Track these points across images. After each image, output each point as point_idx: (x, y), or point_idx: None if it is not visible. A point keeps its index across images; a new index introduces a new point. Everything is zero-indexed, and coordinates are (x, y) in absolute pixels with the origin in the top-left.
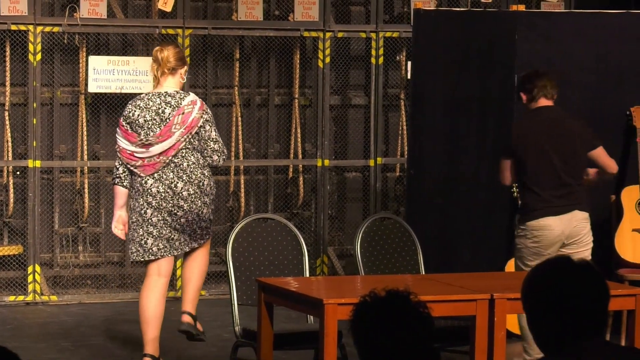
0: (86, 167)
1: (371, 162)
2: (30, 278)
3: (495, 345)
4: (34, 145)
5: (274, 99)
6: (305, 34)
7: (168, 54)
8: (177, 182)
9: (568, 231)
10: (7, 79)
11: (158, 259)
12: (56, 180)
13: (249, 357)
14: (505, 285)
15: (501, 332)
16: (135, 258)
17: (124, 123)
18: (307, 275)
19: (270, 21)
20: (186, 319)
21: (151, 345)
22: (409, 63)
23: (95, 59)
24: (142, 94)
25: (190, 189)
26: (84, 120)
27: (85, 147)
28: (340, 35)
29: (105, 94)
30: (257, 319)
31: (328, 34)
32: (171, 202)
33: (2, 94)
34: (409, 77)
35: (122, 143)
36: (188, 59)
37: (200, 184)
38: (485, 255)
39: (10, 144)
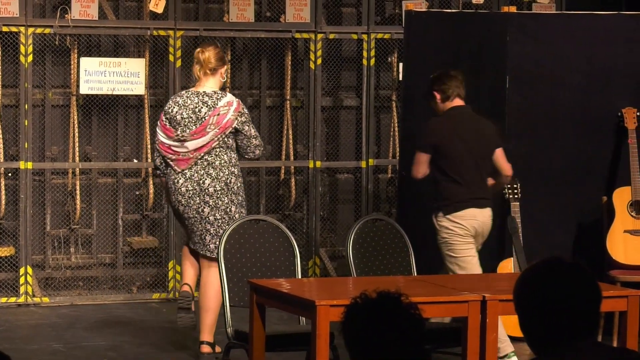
0: (78, 169)
1: (363, 164)
2: (22, 280)
3: (487, 347)
4: (26, 146)
5: (266, 100)
6: (297, 35)
7: (209, 54)
8: (206, 179)
9: (485, 224)
10: None
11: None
12: (48, 182)
13: (241, 358)
14: (497, 287)
15: (493, 334)
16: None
17: (163, 118)
18: (299, 276)
19: (261, 22)
20: (206, 349)
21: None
22: (401, 64)
23: (86, 61)
24: (181, 91)
25: (216, 186)
26: (76, 121)
27: (76, 149)
28: (331, 36)
29: (97, 95)
30: (249, 320)
31: (319, 36)
32: (198, 198)
33: None
34: (400, 78)
35: (161, 136)
36: (179, 62)
37: (228, 181)
38: None
39: (1, 145)
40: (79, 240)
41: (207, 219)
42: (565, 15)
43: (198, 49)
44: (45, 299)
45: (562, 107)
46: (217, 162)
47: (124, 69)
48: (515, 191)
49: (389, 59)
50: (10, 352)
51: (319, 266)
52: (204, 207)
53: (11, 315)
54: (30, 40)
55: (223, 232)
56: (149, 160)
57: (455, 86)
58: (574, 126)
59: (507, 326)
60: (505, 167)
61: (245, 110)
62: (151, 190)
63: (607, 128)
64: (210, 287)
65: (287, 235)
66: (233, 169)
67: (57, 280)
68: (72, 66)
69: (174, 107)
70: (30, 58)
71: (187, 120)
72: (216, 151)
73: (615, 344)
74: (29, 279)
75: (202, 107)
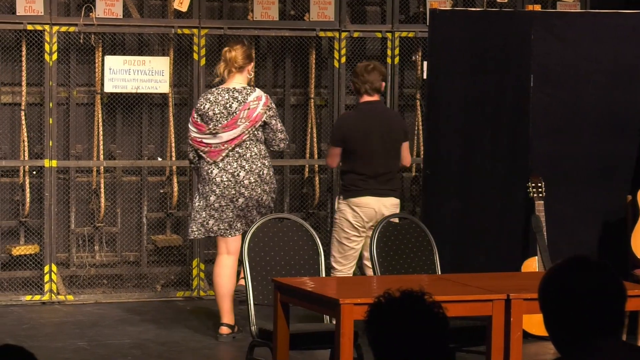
0: (102, 167)
1: None
2: (46, 278)
3: (512, 346)
4: (50, 145)
5: (290, 99)
6: (321, 34)
7: (236, 53)
8: (240, 172)
9: (382, 212)
10: (24, 78)
11: (218, 236)
12: (72, 180)
13: (265, 357)
14: (522, 286)
15: (517, 332)
16: (195, 236)
17: (195, 115)
18: (323, 275)
19: (285, 21)
20: (224, 330)
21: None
22: (425, 63)
23: (111, 59)
24: (212, 89)
25: (251, 178)
26: (100, 120)
27: (101, 147)
28: (356, 35)
29: (121, 93)
30: (273, 318)
31: (344, 34)
32: (233, 189)
33: (18, 93)
34: (424, 77)
35: (192, 132)
36: (203, 60)
37: (261, 172)
38: (500, 255)
39: (26, 143)
40: (104, 238)
41: (239, 207)
42: (590, 14)
43: (226, 48)
44: (70, 297)
45: (586, 106)
46: (248, 155)
47: (148, 67)
48: (540, 190)
49: (413, 58)
50: (35, 350)
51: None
52: (239, 198)
53: (35, 313)
54: (55, 39)
55: (247, 231)
56: (173, 158)
57: (369, 82)
58: (599, 125)
59: (531, 325)
60: (406, 159)
61: (273, 105)
62: (175, 189)
63: (632, 127)
64: (230, 272)
65: (311, 233)
66: (264, 161)
67: (82, 278)
68: (96, 64)
69: (205, 104)
70: (55, 56)
71: (219, 115)
72: (246, 144)
73: (639, 343)
74: (54, 277)
75: (232, 103)
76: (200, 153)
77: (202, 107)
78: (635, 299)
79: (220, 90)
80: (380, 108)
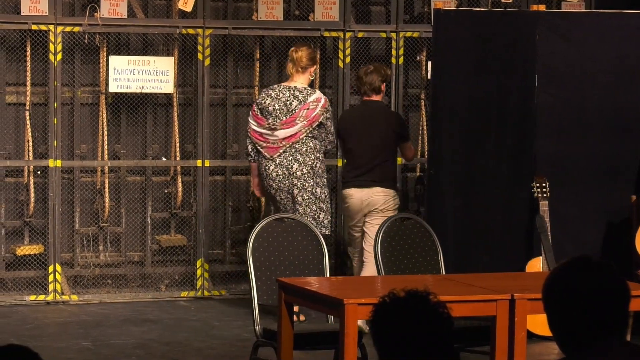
0: (107, 167)
1: None
2: (51, 277)
3: (516, 346)
4: (55, 144)
5: None
6: (326, 34)
7: (301, 54)
8: (293, 164)
9: (367, 201)
10: (28, 78)
11: None
12: (77, 180)
13: (269, 356)
14: (526, 286)
15: (522, 333)
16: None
17: (255, 108)
18: (328, 275)
19: (290, 21)
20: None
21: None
22: (429, 63)
23: (115, 59)
24: (273, 85)
25: (303, 169)
26: (105, 120)
27: (105, 147)
28: (360, 35)
29: (126, 93)
30: (277, 318)
31: (348, 34)
32: (287, 181)
33: (22, 93)
34: (429, 77)
35: (252, 125)
36: (208, 60)
37: (313, 165)
38: (505, 255)
39: (31, 143)
40: (108, 238)
41: (295, 199)
42: (594, 14)
43: (293, 48)
44: (74, 297)
45: (591, 106)
46: (303, 149)
47: (152, 67)
48: (544, 190)
49: (418, 58)
50: (39, 350)
51: (347, 265)
52: (293, 189)
53: (40, 312)
54: (59, 39)
55: (251, 231)
56: (178, 158)
57: (368, 83)
58: (603, 125)
59: (535, 325)
60: (406, 156)
61: (330, 108)
62: (180, 189)
63: (637, 127)
64: None
65: (316, 233)
66: (318, 154)
67: (86, 278)
68: (101, 64)
69: (266, 99)
70: (59, 56)
71: (278, 111)
72: (303, 139)
73: None
74: (58, 276)
75: (293, 101)
76: (259, 147)
77: (262, 101)
78: (639, 299)
79: (282, 87)
80: (374, 105)
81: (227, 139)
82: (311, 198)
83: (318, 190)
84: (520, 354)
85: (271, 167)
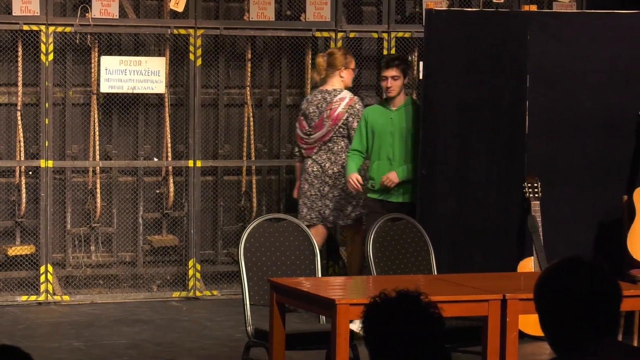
0: (98, 167)
1: None
2: (42, 278)
3: (508, 346)
4: (46, 145)
5: (286, 99)
6: (317, 34)
7: (333, 57)
8: (326, 163)
9: None
10: (19, 79)
11: (310, 225)
12: (68, 180)
13: (261, 357)
14: (518, 286)
15: (513, 333)
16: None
17: (300, 114)
18: (319, 275)
19: (282, 21)
20: None
21: None
22: (421, 63)
23: (107, 59)
24: (314, 90)
25: (334, 169)
26: (96, 120)
27: (97, 147)
28: (352, 35)
29: (117, 94)
30: (269, 319)
31: (340, 34)
32: (320, 178)
33: (14, 94)
34: (421, 77)
35: (297, 130)
36: (200, 60)
37: (344, 164)
38: (497, 255)
39: (22, 144)
40: (100, 238)
41: (326, 195)
42: (586, 14)
43: (327, 52)
44: (66, 297)
45: (582, 107)
46: (335, 148)
47: (144, 68)
48: (536, 190)
49: (410, 58)
50: (31, 350)
51: (339, 265)
52: (324, 187)
53: (31, 313)
54: (51, 39)
55: (242, 231)
56: (169, 158)
57: None
58: (595, 125)
59: (527, 325)
60: None
61: (358, 107)
62: (171, 189)
63: (628, 127)
64: (352, 256)
65: (307, 234)
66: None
67: (78, 278)
68: (92, 65)
69: (305, 104)
70: (51, 57)
71: (312, 114)
72: (335, 139)
73: (635, 343)
74: (50, 277)
75: (322, 103)
76: (301, 150)
77: (302, 106)
78: (630, 299)
79: (317, 91)
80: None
81: (219, 139)
82: (342, 194)
83: (348, 187)
84: (512, 354)
85: (308, 163)
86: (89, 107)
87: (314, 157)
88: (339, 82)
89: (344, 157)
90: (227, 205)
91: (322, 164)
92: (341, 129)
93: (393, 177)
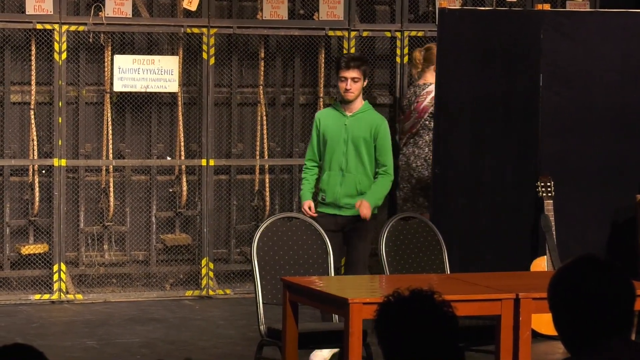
0: (111, 166)
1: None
2: (55, 277)
3: (521, 345)
4: (60, 144)
5: (299, 98)
6: (330, 33)
7: (428, 53)
8: (412, 156)
9: None
10: (33, 77)
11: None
12: (81, 179)
13: (274, 356)
14: (531, 285)
15: (526, 332)
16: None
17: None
18: (332, 274)
19: (295, 20)
20: None
21: None
22: None
23: (120, 58)
24: None
25: (417, 162)
26: (109, 119)
27: (110, 146)
28: (365, 34)
29: (131, 92)
30: (282, 318)
31: (353, 33)
32: (407, 172)
33: (27, 92)
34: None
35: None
36: (213, 59)
37: (427, 157)
38: (510, 254)
39: (35, 142)
40: (113, 237)
41: (414, 188)
42: (599, 13)
43: (422, 47)
44: (79, 296)
45: (596, 106)
46: (420, 142)
47: (157, 67)
48: (549, 189)
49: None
50: (44, 349)
51: None
52: (411, 179)
53: (45, 312)
54: (64, 38)
55: (256, 230)
56: (182, 157)
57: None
58: (608, 124)
59: (540, 324)
60: None
61: None
62: (184, 188)
63: None
64: None
65: (320, 232)
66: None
67: (91, 277)
68: (105, 64)
69: (403, 100)
70: (64, 55)
71: (405, 107)
72: (420, 132)
73: None
74: (63, 276)
75: (412, 97)
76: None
77: (403, 103)
78: None
79: (412, 86)
80: None
81: (232, 138)
82: (424, 187)
83: (430, 182)
84: (525, 353)
85: (399, 156)
86: (102, 106)
87: (404, 149)
88: (433, 76)
89: (427, 150)
90: (240, 204)
91: (408, 157)
92: (427, 123)
93: (366, 209)
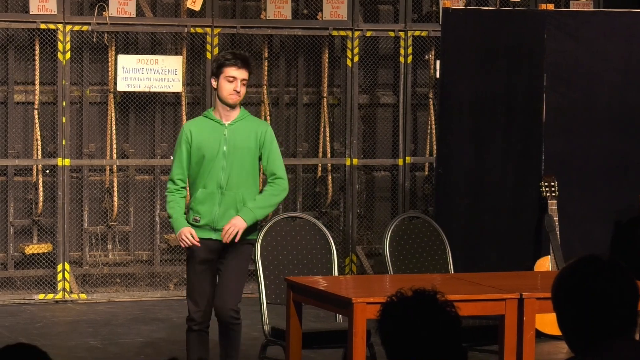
0: (115, 166)
1: (400, 161)
2: (59, 276)
3: (525, 345)
4: (63, 143)
5: (303, 97)
6: (334, 33)
7: None
8: None
9: None
10: (37, 77)
11: None
12: (85, 179)
13: (278, 356)
14: (534, 285)
15: (530, 332)
16: None
17: None
18: (336, 274)
19: (298, 20)
20: None
21: None
22: (438, 62)
23: (124, 58)
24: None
25: None
26: (113, 118)
27: (114, 146)
28: (368, 34)
29: (134, 92)
30: (285, 317)
31: (357, 33)
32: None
33: (31, 92)
34: (437, 76)
35: None
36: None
37: None
38: (513, 254)
39: (39, 142)
40: (116, 237)
41: None
42: (602, 13)
43: None
44: (83, 296)
45: (599, 105)
46: None
47: (161, 66)
48: (553, 189)
49: (426, 57)
50: (47, 348)
51: (356, 264)
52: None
53: (48, 311)
54: (68, 38)
55: (259, 230)
56: None
57: None
58: (612, 124)
59: (544, 324)
60: None
61: None
62: (188, 188)
63: None
64: None
65: (324, 232)
66: None
67: (95, 277)
68: (109, 63)
69: None
70: (68, 55)
71: None
72: None
73: None
74: (67, 275)
75: None
76: None
77: None
78: None
79: None
80: None
81: None
82: None
83: None
84: (529, 353)
85: None
86: (106, 106)
87: None
88: None
89: None
90: None
91: None
92: None
93: (239, 222)
